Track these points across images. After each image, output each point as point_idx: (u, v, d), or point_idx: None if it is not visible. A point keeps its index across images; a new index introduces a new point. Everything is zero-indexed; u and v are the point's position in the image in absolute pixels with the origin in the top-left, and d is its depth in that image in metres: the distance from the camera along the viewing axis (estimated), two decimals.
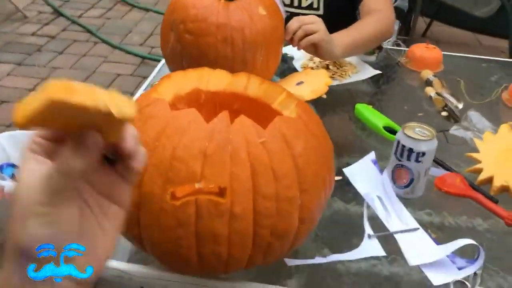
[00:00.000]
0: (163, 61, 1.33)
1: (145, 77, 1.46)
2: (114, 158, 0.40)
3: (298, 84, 1.17)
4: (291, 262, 0.78)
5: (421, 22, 3.31)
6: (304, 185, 0.67)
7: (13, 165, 0.88)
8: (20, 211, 0.37)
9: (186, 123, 0.66)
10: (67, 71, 2.90)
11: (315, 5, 1.52)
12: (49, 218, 0.36)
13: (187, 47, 1.09)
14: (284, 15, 1.29)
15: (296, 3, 1.53)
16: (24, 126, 0.34)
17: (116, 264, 0.76)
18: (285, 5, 1.53)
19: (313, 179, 0.68)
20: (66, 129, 0.37)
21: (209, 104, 0.82)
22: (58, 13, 3.63)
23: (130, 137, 0.39)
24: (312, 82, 1.16)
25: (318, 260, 0.79)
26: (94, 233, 0.40)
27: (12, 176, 0.86)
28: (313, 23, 1.19)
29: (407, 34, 2.97)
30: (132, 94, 2.01)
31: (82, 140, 0.36)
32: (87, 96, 0.33)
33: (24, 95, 0.38)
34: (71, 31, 3.41)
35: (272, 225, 0.65)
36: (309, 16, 1.21)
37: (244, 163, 0.64)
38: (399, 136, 0.92)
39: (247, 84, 0.83)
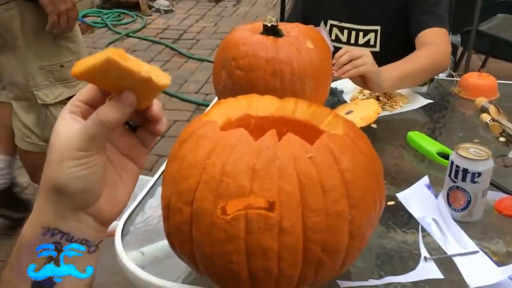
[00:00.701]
0: (215, 99, 1.38)
1: None
2: (135, 126, 0.49)
3: (347, 113, 1.18)
4: (344, 284, 0.76)
5: (477, 60, 3.24)
6: (353, 200, 0.66)
7: None
8: (57, 155, 0.44)
9: (235, 141, 0.68)
10: None
11: (371, 42, 1.53)
12: (83, 161, 0.43)
13: (238, 82, 1.13)
14: (331, 49, 1.31)
15: (353, 41, 1.55)
16: (78, 76, 0.41)
17: (169, 284, 0.77)
18: (342, 42, 1.56)
19: (362, 195, 0.68)
20: (110, 88, 0.45)
21: (259, 129, 0.85)
22: None
23: (157, 105, 0.47)
24: (361, 110, 1.16)
25: (372, 282, 0.77)
26: (114, 181, 0.48)
27: None
28: (361, 56, 1.20)
29: (466, 70, 2.92)
30: None
31: (120, 97, 0.44)
32: (135, 64, 0.41)
33: None
34: None
35: (322, 240, 0.65)
36: (358, 49, 1.23)
37: (291, 177, 0.65)
38: (453, 157, 0.90)
39: (295, 108, 0.85)
